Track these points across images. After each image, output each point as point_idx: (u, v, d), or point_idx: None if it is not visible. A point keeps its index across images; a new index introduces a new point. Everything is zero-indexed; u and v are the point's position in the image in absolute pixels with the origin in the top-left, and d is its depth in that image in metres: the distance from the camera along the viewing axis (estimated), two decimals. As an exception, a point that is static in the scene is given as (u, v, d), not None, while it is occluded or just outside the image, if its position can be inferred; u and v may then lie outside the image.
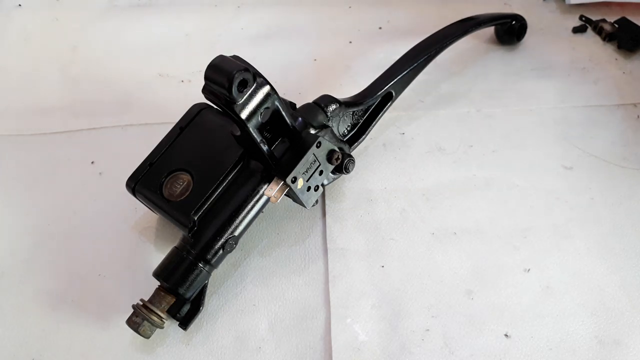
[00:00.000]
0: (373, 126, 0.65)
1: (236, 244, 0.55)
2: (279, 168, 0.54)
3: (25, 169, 0.68)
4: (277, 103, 0.51)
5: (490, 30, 0.81)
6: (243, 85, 0.48)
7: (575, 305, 0.56)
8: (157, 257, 0.56)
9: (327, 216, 0.63)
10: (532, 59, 0.79)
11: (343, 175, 0.61)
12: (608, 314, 0.56)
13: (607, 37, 0.80)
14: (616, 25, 0.81)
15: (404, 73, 0.65)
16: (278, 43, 0.82)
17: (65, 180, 0.67)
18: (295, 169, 0.53)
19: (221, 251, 0.54)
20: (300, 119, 0.56)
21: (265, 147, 0.53)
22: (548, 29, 0.83)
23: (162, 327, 0.53)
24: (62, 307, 0.57)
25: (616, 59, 0.79)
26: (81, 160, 0.68)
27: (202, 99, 0.51)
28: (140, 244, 0.61)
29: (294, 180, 0.53)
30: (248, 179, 0.55)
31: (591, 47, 0.80)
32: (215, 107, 0.53)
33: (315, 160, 0.55)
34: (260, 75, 0.49)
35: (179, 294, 0.53)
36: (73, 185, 0.66)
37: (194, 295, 0.54)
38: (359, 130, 0.65)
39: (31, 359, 0.54)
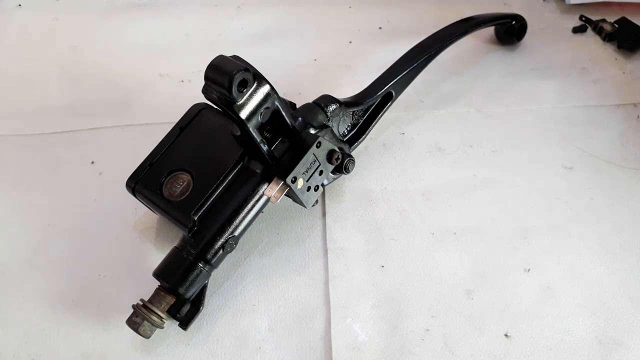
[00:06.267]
0: (373, 126, 0.65)
1: (236, 244, 0.55)
2: (279, 168, 0.54)
3: (25, 169, 0.68)
4: (277, 103, 0.51)
5: (490, 30, 0.81)
6: (243, 85, 0.48)
7: (575, 305, 0.56)
8: (157, 257, 0.56)
9: (327, 216, 0.63)
10: (532, 59, 0.79)
11: (343, 175, 0.61)
12: (608, 314, 0.56)
13: (607, 37, 0.80)
14: (616, 25, 0.81)
15: (404, 73, 0.65)
16: (278, 43, 0.82)
17: (65, 180, 0.67)
18: (295, 169, 0.53)
19: (221, 251, 0.54)
20: (300, 119, 0.56)
21: (265, 147, 0.53)
22: (548, 29, 0.83)
23: (162, 327, 0.53)
24: (62, 307, 0.57)
25: (616, 59, 0.79)
26: (81, 160, 0.68)
27: (202, 99, 0.51)
28: (140, 244, 0.61)
29: (294, 180, 0.53)
30: (248, 179, 0.55)
31: (591, 47, 0.80)
32: (215, 107, 0.53)
33: (315, 160, 0.55)
34: (260, 75, 0.49)
35: (179, 294, 0.53)
36: (73, 185, 0.66)
37: (194, 295, 0.54)
38: (359, 130, 0.65)
39: (31, 359, 0.54)
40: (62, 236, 0.62)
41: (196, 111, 0.60)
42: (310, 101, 0.60)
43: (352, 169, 0.60)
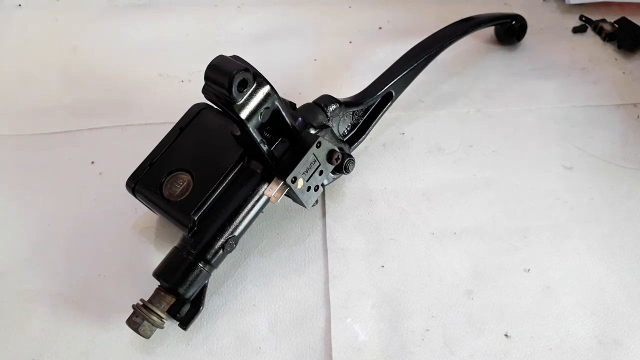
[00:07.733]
0: (373, 126, 0.65)
1: (236, 244, 0.55)
2: (279, 168, 0.54)
3: (25, 169, 0.68)
4: (277, 103, 0.51)
5: (490, 30, 0.81)
6: (243, 85, 0.48)
7: (575, 305, 0.56)
8: (157, 257, 0.56)
9: (327, 216, 0.63)
10: (532, 59, 0.79)
11: (343, 175, 0.61)
12: (608, 314, 0.56)
13: (607, 37, 0.80)
14: (616, 25, 0.81)
15: (404, 73, 0.65)
16: (278, 43, 0.82)
17: (65, 180, 0.67)
18: (295, 169, 0.53)
19: (221, 251, 0.54)
20: (300, 119, 0.56)
21: (265, 147, 0.53)
22: (548, 29, 0.83)
23: (162, 327, 0.53)
24: (62, 307, 0.57)
25: (616, 59, 0.79)
26: (81, 160, 0.68)
27: (202, 99, 0.51)
28: (140, 244, 0.61)
29: (294, 180, 0.53)
30: (248, 179, 0.55)
31: (591, 47, 0.80)
32: (215, 107, 0.53)
33: (315, 160, 0.55)
34: (260, 75, 0.49)
35: (179, 294, 0.53)
36: (73, 185, 0.66)
37: (194, 295, 0.54)
38: (359, 130, 0.65)
39: (31, 359, 0.54)
40: (62, 236, 0.62)
41: (196, 111, 0.60)
42: (310, 101, 0.60)
43: (352, 169, 0.60)
